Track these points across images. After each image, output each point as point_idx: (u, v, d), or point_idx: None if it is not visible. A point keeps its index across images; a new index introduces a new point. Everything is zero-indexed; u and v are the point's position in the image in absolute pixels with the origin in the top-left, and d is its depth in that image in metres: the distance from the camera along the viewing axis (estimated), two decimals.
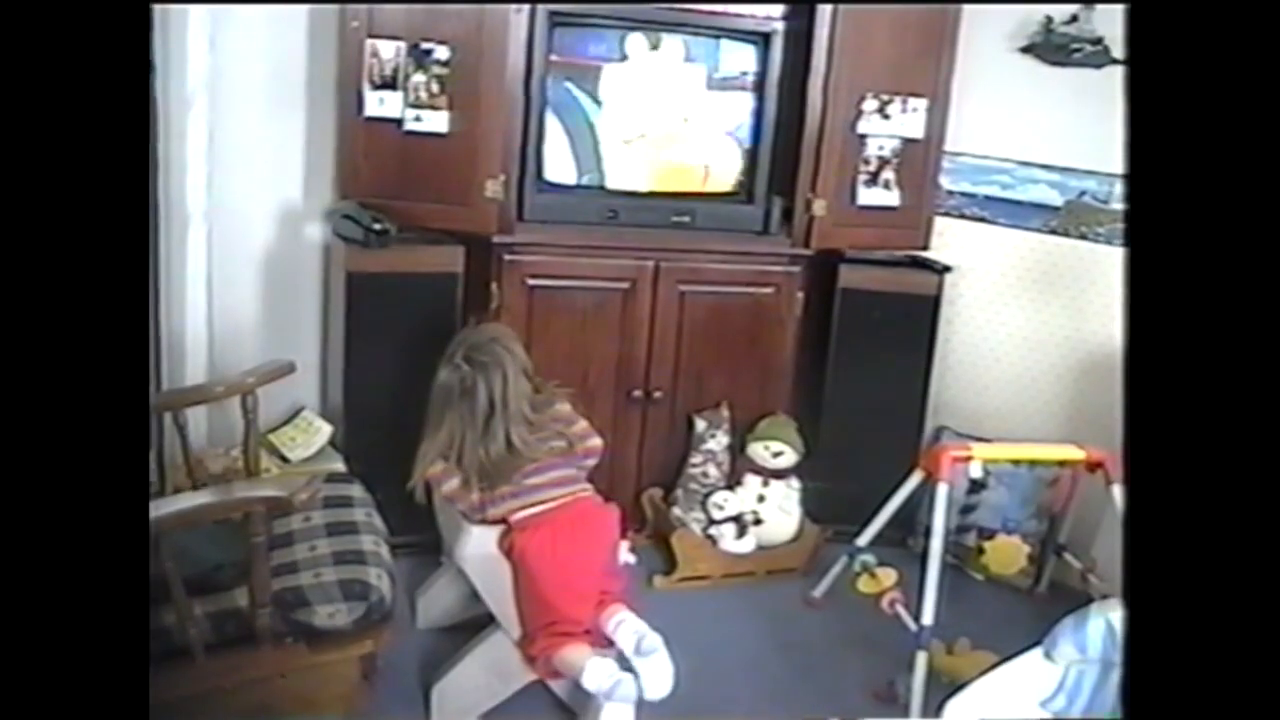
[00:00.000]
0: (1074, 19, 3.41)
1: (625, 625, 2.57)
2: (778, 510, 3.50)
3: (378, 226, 3.06)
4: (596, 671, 2.48)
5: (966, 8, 3.49)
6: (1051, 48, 3.45)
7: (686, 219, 3.46)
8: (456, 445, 2.63)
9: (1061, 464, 3.22)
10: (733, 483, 3.52)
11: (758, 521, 3.45)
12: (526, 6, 3.13)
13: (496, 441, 2.61)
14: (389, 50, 3.10)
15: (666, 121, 3.42)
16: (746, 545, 3.43)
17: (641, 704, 2.49)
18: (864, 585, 3.04)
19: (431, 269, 3.19)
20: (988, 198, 3.72)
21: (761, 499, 3.48)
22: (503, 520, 2.62)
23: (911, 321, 3.59)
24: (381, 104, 3.12)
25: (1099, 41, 3.37)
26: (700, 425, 3.52)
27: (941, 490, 2.80)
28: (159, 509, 2.06)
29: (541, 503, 2.63)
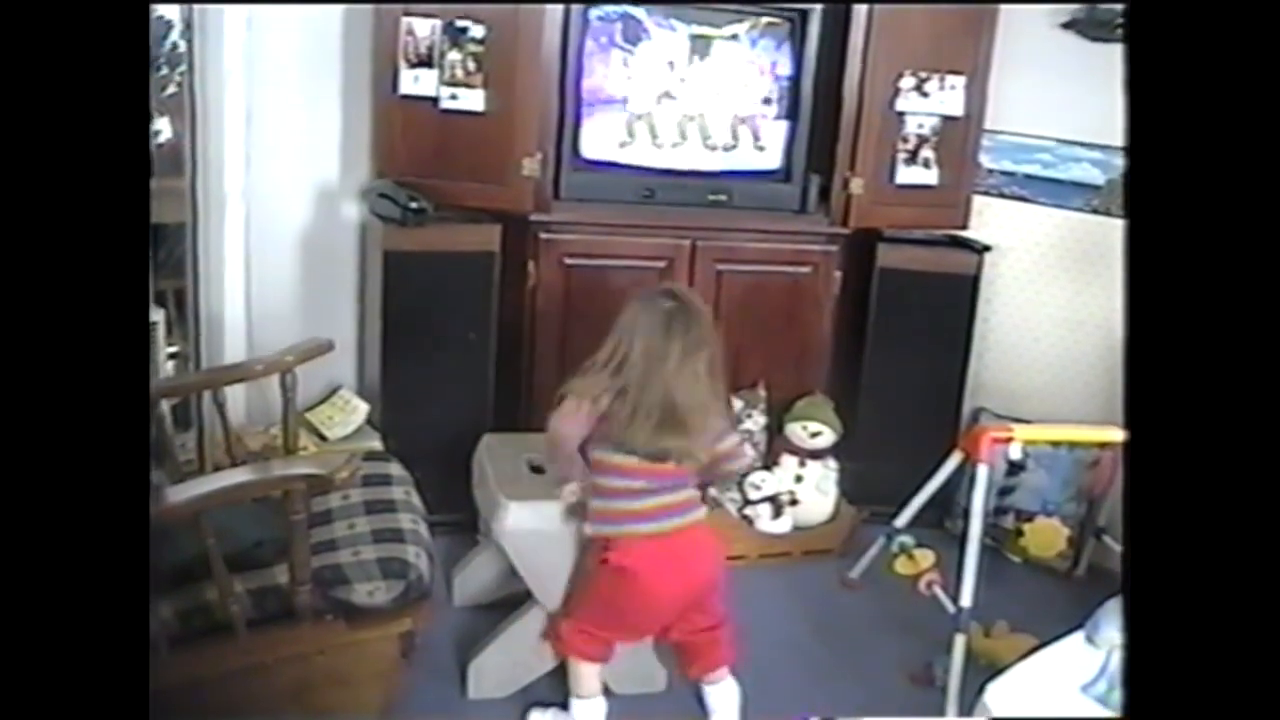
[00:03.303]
0: None
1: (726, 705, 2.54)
2: (814, 491, 3.48)
3: (414, 205, 3.06)
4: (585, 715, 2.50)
5: None
6: (1094, 23, 3.39)
7: (723, 198, 3.44)
8: (630, 374, 2.27)
9: (1102, 446, 3.19)
10: (769, 463, 3.51)
11: (794, 502, 3.44)
12: None
13: (680, 392, 2.27)
14: (424, 28, 3.09)
15: (704, 100, 3.40)
16: (783, 526, 3.42)
17: None
18: (901, 567, 3.02)
19: (468, 247, 3.19)
20: (1028, 176, 3.67)
21: (798, 479, 3.47)
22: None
23: (950, 301, 3.56)
24: (417, 82, 3.11)
25: None
26: (737, 405, 3.50)
27: (981, 472, 2.78)
28: (199, 486, 2.08)
29: (655, 524, 2.37)
